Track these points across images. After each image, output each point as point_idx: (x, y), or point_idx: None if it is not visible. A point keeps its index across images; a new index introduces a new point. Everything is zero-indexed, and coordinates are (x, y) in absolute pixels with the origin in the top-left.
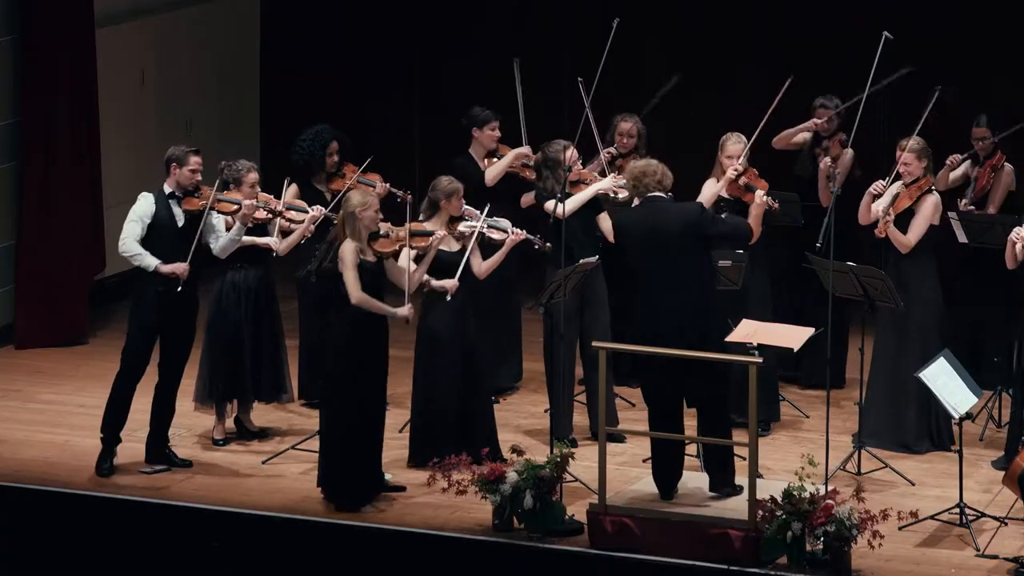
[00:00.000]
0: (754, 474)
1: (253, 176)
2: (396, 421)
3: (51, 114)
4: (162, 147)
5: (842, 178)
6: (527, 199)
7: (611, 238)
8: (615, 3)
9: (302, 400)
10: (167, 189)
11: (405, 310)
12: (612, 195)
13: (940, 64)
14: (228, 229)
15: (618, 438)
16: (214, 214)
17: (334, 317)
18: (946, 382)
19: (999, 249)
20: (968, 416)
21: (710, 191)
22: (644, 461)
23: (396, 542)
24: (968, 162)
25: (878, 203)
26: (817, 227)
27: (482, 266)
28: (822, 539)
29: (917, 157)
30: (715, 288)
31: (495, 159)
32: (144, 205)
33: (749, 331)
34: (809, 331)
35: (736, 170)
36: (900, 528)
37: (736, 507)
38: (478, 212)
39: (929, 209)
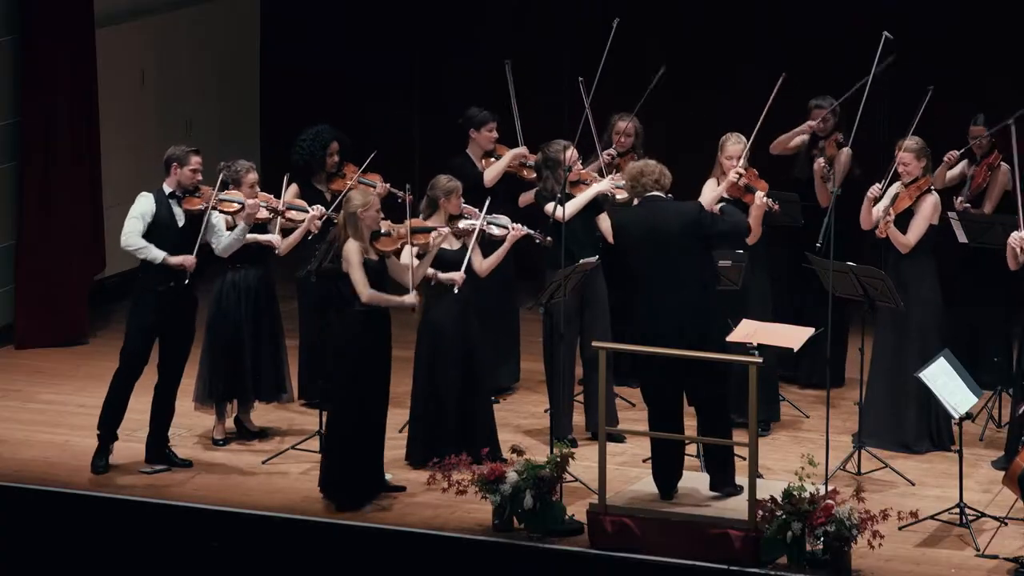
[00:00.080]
0: (754, 474)
1: (252, 176)
2: (396, 421)
3: (51, 114)
4: (162, 147)
5: (841, 177)
6: (525, 198)
7: (611, 238)
8: (615, 3)
9: (302, 400)
10: (167, 189)
11: (411, 297)
12: (610, 196)
13: (940, 64)
14: (228, 228)
15: (618, 438)
16: (215, 213)
17: (334, 317)
18: (946, 382)
19: (999, 249)
20: (968, 416)
21: (710, 191)
22: (644, 461)
23: (396, 542)
24: (965, 161)
25: (878, 204)
26: (817, 227)
27: (483, 264)
28: (822, 539)
29: (916, 157)
30: (715, 288)
31: (493, 159)
32: (145, 203)
33: (749, 331)
34: (809, 331)
35: (738, 173)
36: (900, 528)
37: (736, 507)
38: (477, 211)
39: (928, 209)
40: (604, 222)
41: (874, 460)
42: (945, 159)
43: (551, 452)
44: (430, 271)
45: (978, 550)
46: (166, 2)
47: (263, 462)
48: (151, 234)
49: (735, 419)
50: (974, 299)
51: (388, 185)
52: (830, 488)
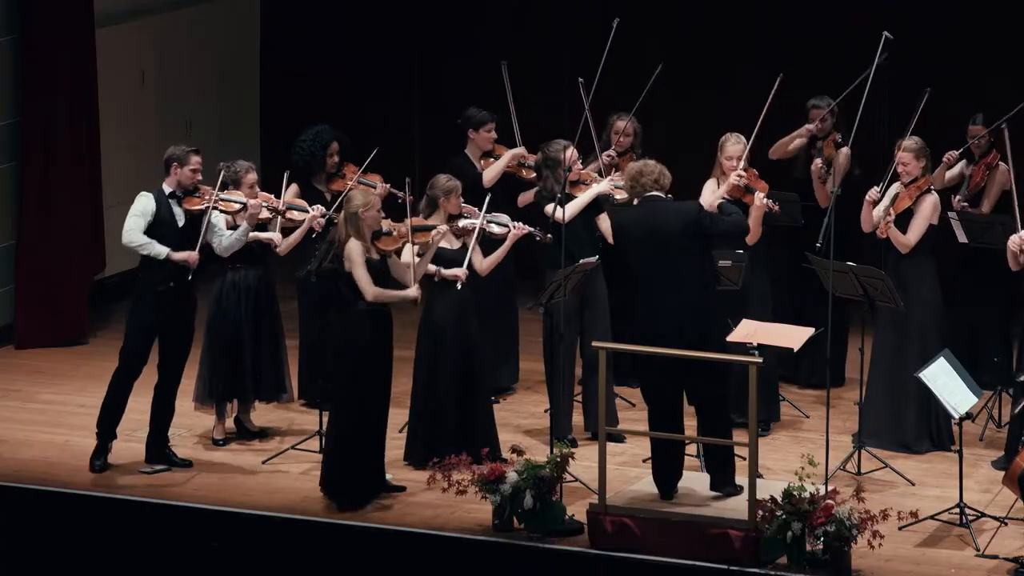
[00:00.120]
0: (754, 474)
1: (252, 176)
2: (396, 421)
3: (51, 114)
4: (162, 147)
5: (840, 177)
6: (524, 198)
7: (610, 238)
8: (615, 3)
9: (302, 400)
10: (167, 189)
11: (413, 290)
12: (610, 196)
13: (940, 64)
14: (229, 228)
15: (618, 438)
16: (215, 213)
17: (334, 317)
18: (946, 382)
19: (999, 249)
20: (968, 416)
21: (710, 191)
22: (644, 461)
23: (396, 542)
24: (963, 160)
25: (878, 206)
26: (817, 227)
27: (484, 263)
28: (822, 539)
29: (915, 157)
30: (715, 288)
31: (491, 160)
32: (145, 202)
33: (749, 331)
34: (809, 331)
35: (740, 175)
36: (900, 528)
37: (736, 507)
38: (477, 210)
39: (928, 209)
40: (604, 222)
41: (874, 460)
42: (944, 160)
43: (551, 452)
44: (432, 267)
45: (978, 550)
46: (166, 2)
47: (263, 462)
48: (151, 233)
49: (735, 419)
50: (974, 299)
51: (388, 186)
52: (830, 488)
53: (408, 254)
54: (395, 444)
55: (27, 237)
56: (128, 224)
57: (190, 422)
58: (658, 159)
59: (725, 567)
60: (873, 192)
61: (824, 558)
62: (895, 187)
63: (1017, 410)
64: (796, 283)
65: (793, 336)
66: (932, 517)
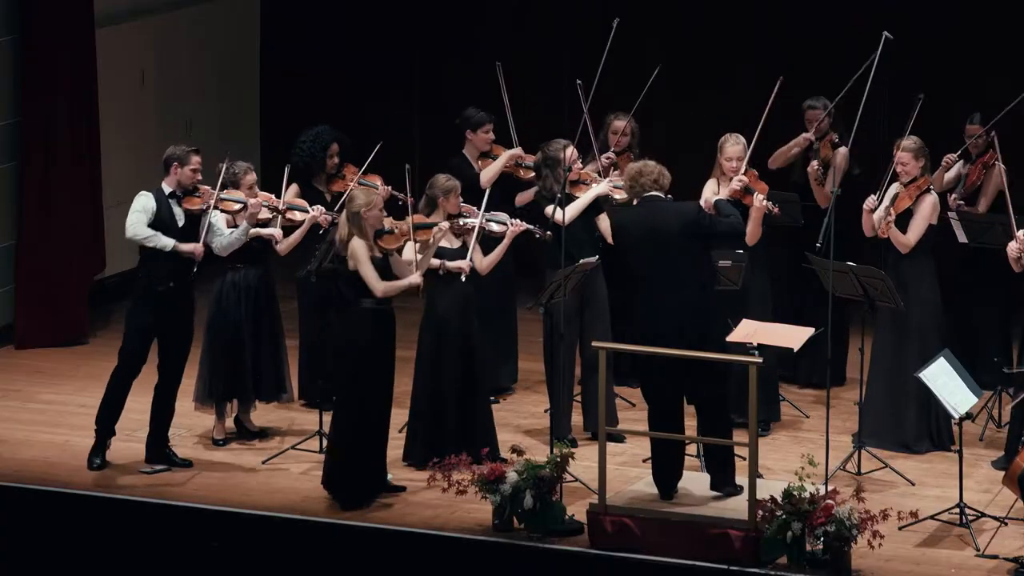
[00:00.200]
0: (754, 474)
1: (251, 177)
2: (396, 421)
3: (51, 114)
4: (162, 147)
5: (840, 177)
6: (522, 198)
7: (610, 239)
8: (615, 3)
9: (302, 400)
10: (166, 188)
11: (416, 277)
12: (609, 196)
13: (940, 64)
14: (228, 228)
15: (618, 438)
16: (216, 213)
17: (334, 317)
18: (946, 382)
19: (998, 249)
20: (968, 416)
21: (710, 192)
22: (644, 461)
23: (396, 542)
24: (961, 161)
25: (878, 208)
26: (817, 227)
27: (484, 261)
28: (822, 539)
29: (914, 156)
30: (715, 288)
31: (489, 160)
32: (145, 201)
33: (749, 331)
34: (809, 331)
35: (742, 180)
36: (900, 528)
37: (736, 507)
38: (476, 209)
39: (928, 209)
40: (604, 222)
41: (874, 460)
42: (943, 163)
43: (551, 452)
44: (435, 261)
45: (978, 550)
46: (166, 2)
47: (263, 462)
48: None
49: (735, 419)
50: (973, 299)
51: (389, 188)
52: (830, 488)
53: (410, 252)
54: (395, 444)
55: (27, 237)
56: (130, 219)
57: (190, 422)
58: (658, 159)
59: (725, 567)
60: (870, 200)
61: (824, 558)
62: (895, 187)
63: (1015, 403)
64: (796, 283)
65: (793, 336)
66: (932, 517)
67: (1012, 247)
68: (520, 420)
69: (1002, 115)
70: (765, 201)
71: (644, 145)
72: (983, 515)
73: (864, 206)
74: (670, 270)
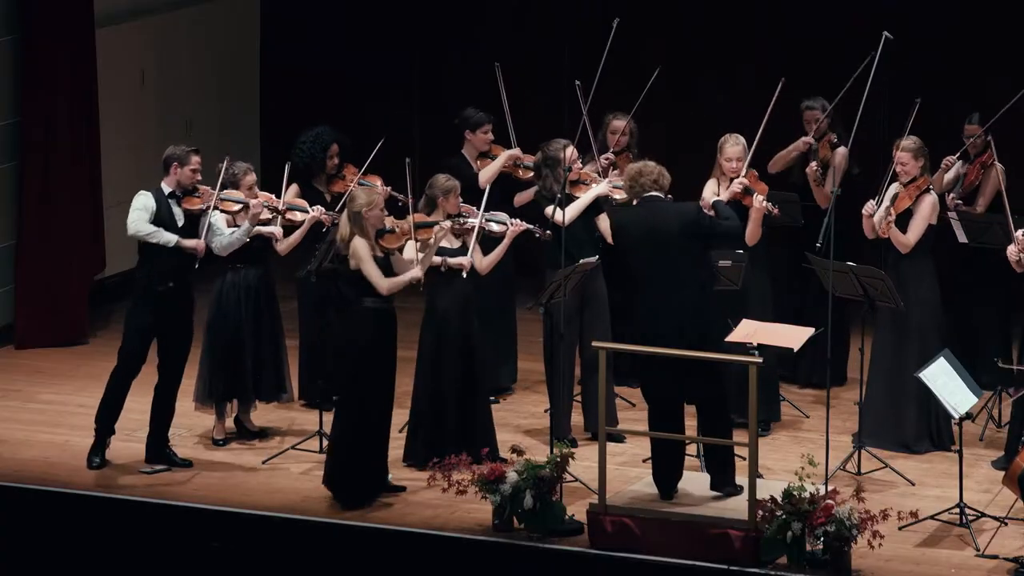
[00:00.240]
0: (754, 474)
1: (251, 178)
2: (396, 421)
3: (51, 114)
4: (162, 147)
5: (839, 177)
6: (521, 198)
7: (610, 239)
8: (615, 3)
9: (302, 400)
10: (166, 188)
11: (416, 270)
12: (609, 197)
13: (940, 64)
14: (228, 227)
15: (618, 438)
16: (216, 213)
17: (334, 317)
18: (946, 382)
19: (998, 249)
20: (968, 416)
21: (711, 192)
22: (644, 461)
23: (396, 542)
24: (960, 161)
25: (879, 209)
26: (817, 227)
27: (484, 261)
28: (822, 539)
29: (913, 156)
30: (714, 288)
31: (488, 160)
32: (145, 200)
33: (749, 331)
34: (809, 331)
35: (742, 183)
36: (900, 528)
37: (736, 507)
38: (475, 209)
39: (927, 208)
40: (603, 222)
41: (874, 460)
42: (943, 165)
43: (551, 452)
44: (437, 259)
45: (978, 550)
46: (166, 2)
47: (263, 462)
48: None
49: (735, 419)
50: (973, 299)
51: (389, 188)
52: (830, 488)
53: (411, 251)
54: (395, 444)
55: (27, 237)
56: (132, 217)
57: (190, 422)
58: (658, 159)
59: (725, 567)
60: (869, 206)
61: (824, 558)
62: (894, 187)
63: (1015, 397)
64: (796, 283)
65: (793, 336)
66: (932, 517)
67: (1011, 250)
68: (520, 420)
69: (1000, 115)
70: (765, 202)
71: (644, 145)
72: (983, 515)
73: (863, 211)
74: (670, 270)
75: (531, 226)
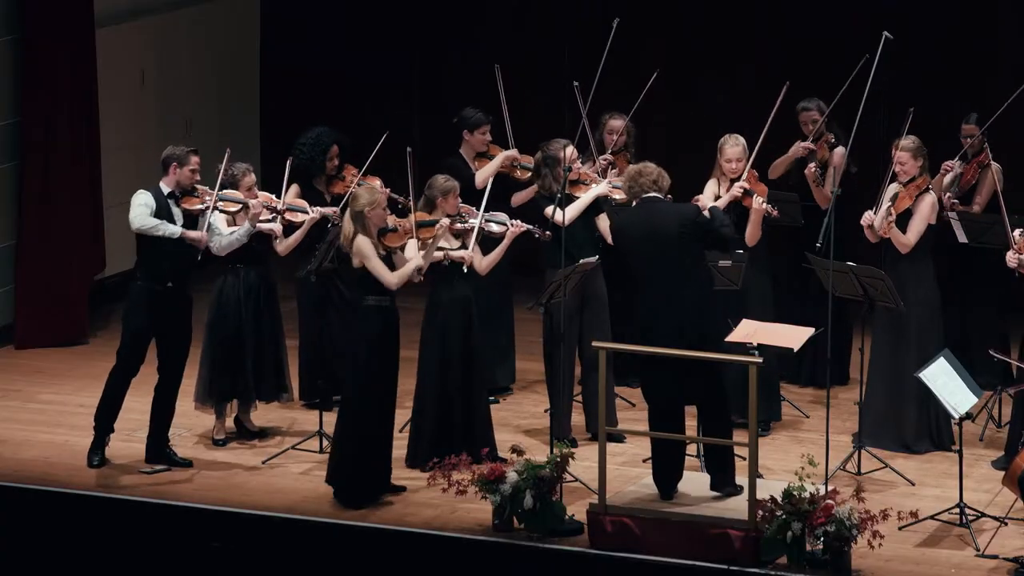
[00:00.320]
0: (754, 474)
1: (250, 179)
2: (398, 421)
3: (51, 114)
4: (162, 147)
5: (839, 177)
6: (518, 198)
7: (610, 239)
8: (615, 3)
9: (302, 400)
10: (165, 188)
11: (417, 259)
12: (608, 197)
13: (940, 64)
14: (228, 228)
15: (618, 438)
16: (216, 214)
17: (334, 317)
18: (946, 382)
19: (998, 249)
20: (968, 416)
21: (711, 192)
22: (644, 461)
23: (396, 542)
24: (959, 163)
25: (879, 210)
26: (817, 227)
27: (483, 261)
28: (822, 539)
29: (912, 156)
30: (714, 288)
31: (486, 160)
32: (146, 197)
33: (749, 331)
34: (809, 331)
35: (742, 187)
36: (900, 528)
37: (736, 507)
38: (474, 209)
39: (927, 209)
40: (603, 223)
41: (874, 460)
42: (943, 169)
43: (551, 452)
44: (439, 254)
45: (978, 550)
46: (166, 2)
47: (263, 462)
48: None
49: (735, 419)
50: (972, 300)
51: (388, 190)
52: (830, 488)
53: (412, 249)
54: (396, 444)
55: (27, 237)
56: (134, 212)
57: (190, 422)
58: (658, 160)
59: (725, 567)
60: (867, 216)
61: (824, 558)
62: (894, 187)
63: (1014, 393)
64: (796, 283)
65: (793, 336)
66: (932, 517)
67: (1011, 256)
68: (520, 420)
69: (997, 116)
70: (764, 203)
71: (644, 146)
72: (983, 515)
73: (862, 222)
74: (670, 271)
75: (531, 227)
